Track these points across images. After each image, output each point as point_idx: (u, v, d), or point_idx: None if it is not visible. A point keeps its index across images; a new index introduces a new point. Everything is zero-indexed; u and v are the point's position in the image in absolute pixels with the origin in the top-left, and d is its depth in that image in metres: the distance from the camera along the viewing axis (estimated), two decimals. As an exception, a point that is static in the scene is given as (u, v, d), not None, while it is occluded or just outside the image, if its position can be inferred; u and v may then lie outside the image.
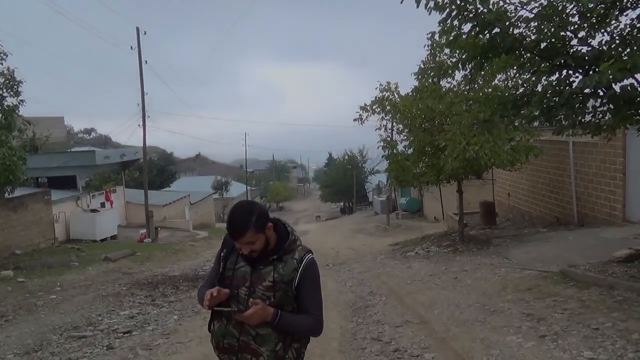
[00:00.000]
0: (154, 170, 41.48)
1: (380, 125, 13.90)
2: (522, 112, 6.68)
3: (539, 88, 6.47)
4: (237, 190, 54.57)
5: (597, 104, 6.18)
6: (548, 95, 6.04)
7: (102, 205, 23.72)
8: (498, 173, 18.08)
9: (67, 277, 11.28)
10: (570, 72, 6.18)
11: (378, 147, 13.47)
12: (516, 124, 7.42)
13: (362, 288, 9.12)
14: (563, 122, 6.56)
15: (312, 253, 2.43)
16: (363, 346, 5.71)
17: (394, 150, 13.21)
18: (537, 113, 6.36)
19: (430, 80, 13.08)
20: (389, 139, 13.90)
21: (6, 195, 14.32)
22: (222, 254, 2.47)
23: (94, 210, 21.58)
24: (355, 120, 13.53)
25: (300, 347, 2.41)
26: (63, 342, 6.48)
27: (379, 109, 13.45)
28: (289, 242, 2.39)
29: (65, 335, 6.78)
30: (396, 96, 13.59)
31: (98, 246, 17.94)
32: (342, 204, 57.16)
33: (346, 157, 57.55)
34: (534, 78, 6.71)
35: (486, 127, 8.50)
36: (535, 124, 7.82)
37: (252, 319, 2.21)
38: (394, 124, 14.47)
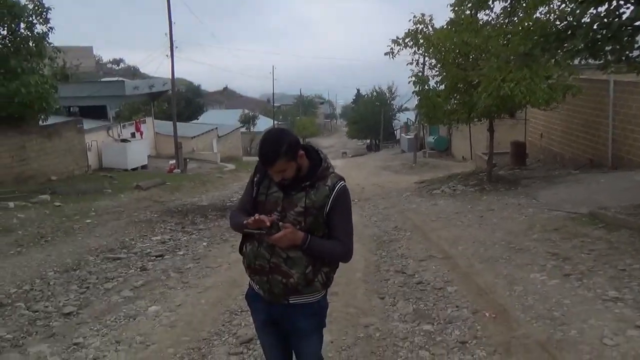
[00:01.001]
0: (182, 102, 41.58)
1: (412, 59, 13.43)
2: (565, 45, 6.33)
3: (586, 20, 6.08)
4: (264, 124, 54.53)
5: (648, 38, 5.80)
6: (595, 27, 5.68)
7: (132, 135, 24.12)
8: (532, 113, 17.50)
9: (101, 203, 11.69)
10: (621, 2, 5.77)
11: (409, 83, 13.08)
12: (558, 58, 7.04)
13: (387, 223, 9.20)
14: (609, 57, 6.19)
15: (344, 181, 2.43)
16: (386, 277, 5.83)
17: (425, 86, 12.84)
18: (581, 47, 6.02)
19: (467, 13, 12.43)
20: (420, 74, 13.46)
21: (40, 122, 14.67)
22: (255, 179, 2.48)
23: (124, 140, 21.98)
24: (386, 54, 13.10)
25: (329, 271, 2.46)
26: (99, 263, 6.82)
27: (411, 43, 12.93)
28: (321, 169, 2.38)
29: (101, 257, 7.12)
30: (430, 29, 13.00)
31: (129, 175, 18.42)
32: (368, 141, 56.77)
33: (375, 93, 56.43)
34: (579, 10, 6.29)
35: (525, 62, 8.12)
36: (577, 60, 7.42)
37: (282, 241, 2.25)
38: (427, 58, 13.95)
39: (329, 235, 2.40)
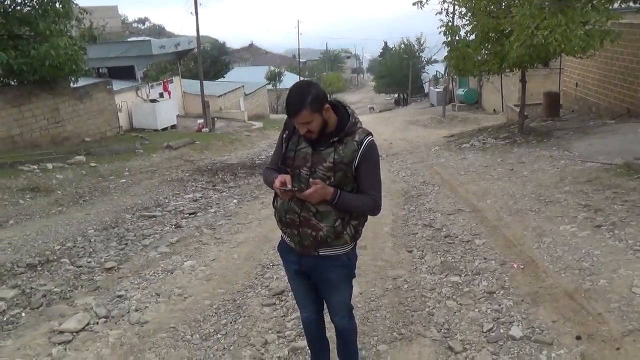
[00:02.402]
0: (208, 60, 41.46)
1: (442, 9, 12.98)
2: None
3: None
4: (290, 81, 53.92)
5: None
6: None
7: (161, 95, 24.28)
8: (567, 61, 16.81)
9: (134, 163, 12.00)
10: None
11: (439, 33, 12.71)
12: (594, 3, 6.69)
13: (415, 178, 9.19)
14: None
15: (372, 135, 2.45)
16: (414, 231, 5.89)
17: (456, 37, 12.45)
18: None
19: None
20: (450, 24, 13.02)
21: (71, 84, 14.92)
22: (284, 135, 2.53)
23: (153, 100, 22.18)
24: (414, 4, 12.70)
25: (358, 224, 2.52)
26: (136, 221, 7.08)
27: (440, -9, 12.48)
28: (349, 125, 2.40)
29: (137, 215, 7.38)
30: (460, -24, 12.49)
31: (159, 135, 18.72)
32: (396, 95, 55.76)
33: (402, 45, 54.91)
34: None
35: (560, 7, 7.75)
36: (616, 4, 7.03)
37: (313, 197, 2.31)
38: (456, 7, 13.46)
39: (357, 190, 2.45)
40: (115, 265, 5.25)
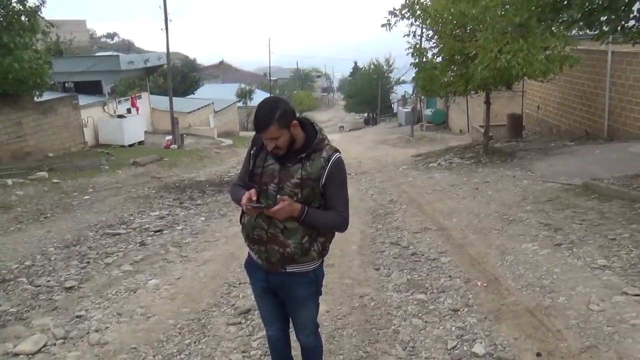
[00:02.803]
0: (178, 76, 41.16)
1: (410, 31, 13.32)
2: (561, 15, 6.30)
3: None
4: (260, 98, 52.95)
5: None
6: (590, -3, 5.65)
7: (129, 111, 23.95)
8: (529, 84, 17.44)
9: (99, 179, 11.73)
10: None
11: (407, 54, 13.01)
12: (554, 29, 7.01)
13: (383, 196, 9.29)
14: (604, 28, 6.19)
15: (340, 152, 2.49)
16: (382, 249, 5.94)
17: (423, 58, 12.76)
18: (577, 17, 6.00)
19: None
20: (418, 46, 13.36)
21: (35, 99, 14.57)
22: (251, 152, 2.55)
23: (120, 116, 21.85)
24: (383, 25, 12.96)
25: (325, 241, 2.54)
26: (99, 238, 6.90)
27: (408, 14, 12.79)
28: (317, 141, 2.44)
29: (100, 232, 7.20)
30: (427, 0, 12.86)
31: (126, 151, 18.41)
32: (366, 114, 56.49)
33: (372, 66, 55.87)
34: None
35: (521, 32, 8.08)
36: (574, 31, 7.38)
37: (280, 214, 2.32)
38: (424, 30, 13.84)
39: (325, 206, 2.47)
40: (76, 284, 5.09)
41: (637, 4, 5.87)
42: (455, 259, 5.35)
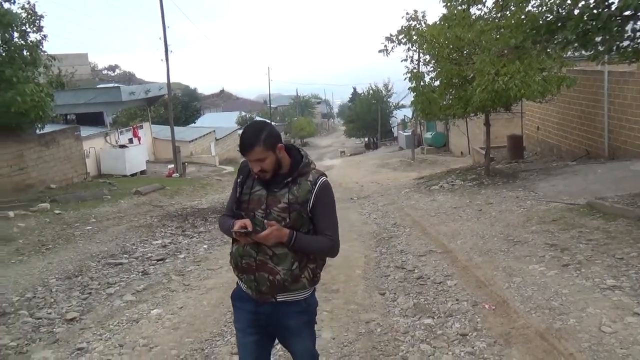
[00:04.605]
0: (179, 106, 41.63)
1: (407, 56, 13.48)
2: (555, 37, 6.37)
3: (575, 11, 6.12)
4: (261, 126, 54.44)
5: (637, 27, 5.84)
6: (584, 18, 5.72)
7: (130, 141, 24.11)
8: (527, 106, 17.53)
9: (101, 209, 11.71)
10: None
11: (405, 79, 13.13)
12: (549, 51, 7.08)
13: (386, 220, 9.24)
14: (599, 48, 6.24)
15: (326, 176, 2.48)
16: (387, 274, 5.86)
17: (421, 82, 12.87)
18: (572, 38, 6.06)
19: (459, 8, 12.45)
20: (415, 70, 13.49)
21: (37, 131, 14.68)
22: (238, 180, 2.54)
23: (122, 146, 21.98)
24: (380, 51, 13.15)
25: (315, 267, 2.48)
26: (101, 269, 6.84)
27: (405, 39, 12.97)
28: (302, 165, 2.43)
29: (102, 262, 7.14)
30: (423, 25, 13.05)
31: (128, 181, 18.44)
32: (366, 139, 56.76)
33: (371, 91, 56.44)
34: (570, 1, 6.33)
35: (517, 55, 8.16)
36: (569, 52, 7.45)
37: (268, 239, 2.28)
38: (421, 54, 14.00)
39: (314, 231, 2.44)
40: (77, 315, 5.02)
41: (631, 24, 5.94)
42: (462, 281, 5.28)
